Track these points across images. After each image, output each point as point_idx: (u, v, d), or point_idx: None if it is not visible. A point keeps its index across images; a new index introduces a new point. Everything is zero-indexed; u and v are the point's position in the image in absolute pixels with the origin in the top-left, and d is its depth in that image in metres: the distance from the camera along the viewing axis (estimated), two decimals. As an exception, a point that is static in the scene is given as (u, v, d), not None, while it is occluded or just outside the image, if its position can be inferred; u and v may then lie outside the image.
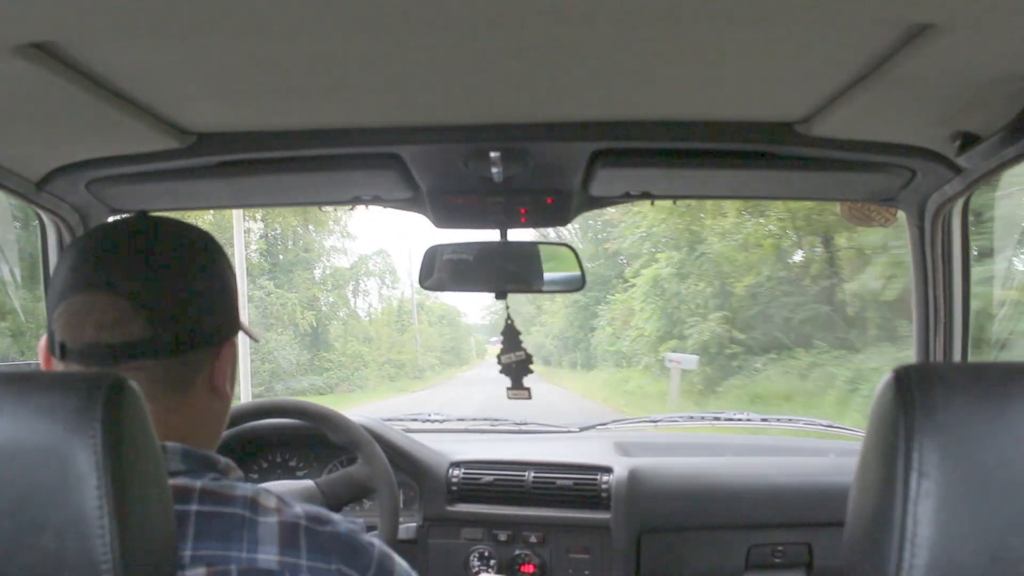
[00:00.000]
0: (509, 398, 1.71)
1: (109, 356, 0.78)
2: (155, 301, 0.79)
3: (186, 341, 0.82)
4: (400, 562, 0.86)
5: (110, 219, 0.85)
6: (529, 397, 1.70)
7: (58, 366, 0.81)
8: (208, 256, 0.87)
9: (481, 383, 19.88)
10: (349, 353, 22.98)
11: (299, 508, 0.81)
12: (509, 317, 1.70)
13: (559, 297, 24.25)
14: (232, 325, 0.89)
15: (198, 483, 0.78)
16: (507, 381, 1.69)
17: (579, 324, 24.93)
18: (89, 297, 0.79)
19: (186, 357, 0.82)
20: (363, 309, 29.25)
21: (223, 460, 0.85)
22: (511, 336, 1.69)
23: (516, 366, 1.68)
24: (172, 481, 0.77)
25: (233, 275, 0.91)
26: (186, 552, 0.74)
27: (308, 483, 1.58)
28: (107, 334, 0.78)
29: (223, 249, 0.91)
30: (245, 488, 0.80)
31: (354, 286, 28.10)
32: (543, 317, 33.74)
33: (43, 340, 0.84)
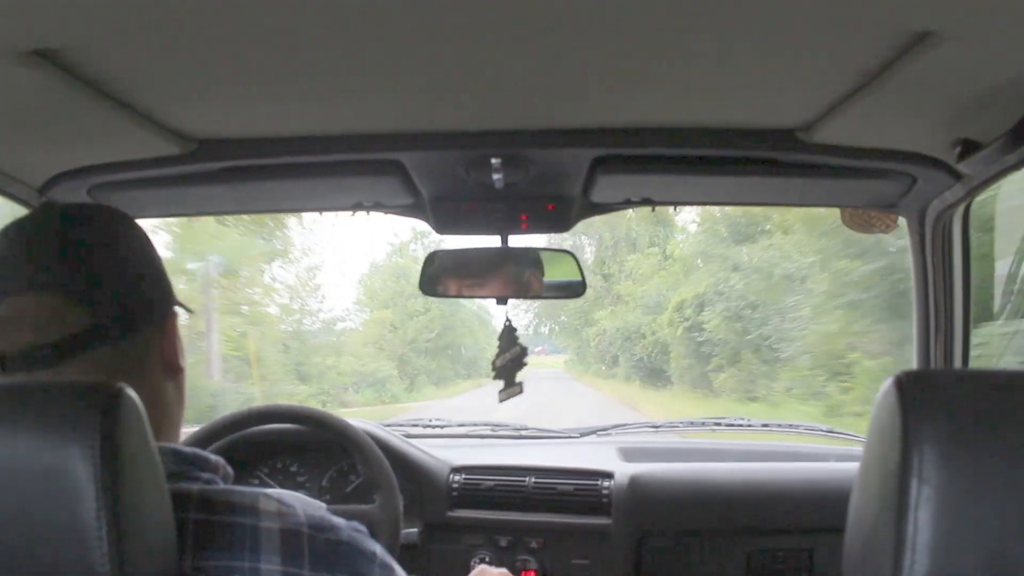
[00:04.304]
0: (501, 400, 1.70)
1: (54, 355, 0.75)
2: (87, 287, 0.77)
3: (130, 320, 0.80)
4: (400, 573, 0.85)
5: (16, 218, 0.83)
6: (521, 391, 1.69)
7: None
8: (126, 232, 0.85)
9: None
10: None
11: (301, 513, 0.79)
12: (508, 319, 1.70)
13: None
14: (170, 298, 0.87)
15: (195, 488, 0.77)
16: (500, 384, 1.68)
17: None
18: (16, 302, 0.76)
19: (134, 338, 0.80)
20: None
21: (214, 458, 0.83)
22: (508, 336, 1.69)
23: (511, 364, 1.68)
24: (168, 485, 0.76)
25: (154, 247, 0.88)
26: (187, 563, 0.73)
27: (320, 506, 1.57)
28: (46, 333, 0.75)
29: (137, 223, 0.87)
30: (243, 494, 0.78)
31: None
32: (618, 287, 21.54)
33: None
